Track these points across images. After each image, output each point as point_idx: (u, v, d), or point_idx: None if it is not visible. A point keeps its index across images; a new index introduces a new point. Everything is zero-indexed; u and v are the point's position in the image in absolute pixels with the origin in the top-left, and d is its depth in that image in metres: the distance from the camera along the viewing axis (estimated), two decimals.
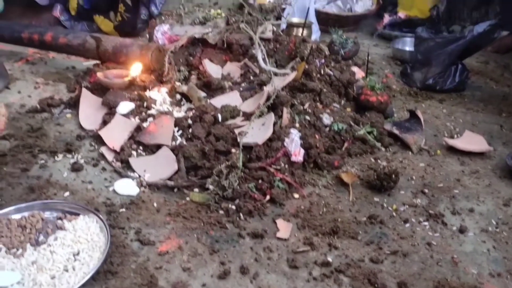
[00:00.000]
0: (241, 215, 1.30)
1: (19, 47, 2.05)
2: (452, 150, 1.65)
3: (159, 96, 1.66)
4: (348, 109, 1.76)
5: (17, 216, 1.19)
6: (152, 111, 1.60)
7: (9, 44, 2.04)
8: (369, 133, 1.66)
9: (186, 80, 1.78)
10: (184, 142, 1.50)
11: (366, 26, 2.73)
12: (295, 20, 2.37)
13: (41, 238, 1.14)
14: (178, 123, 1.55)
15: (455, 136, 1.74)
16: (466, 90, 2.08)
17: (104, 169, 1.45)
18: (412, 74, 2.09)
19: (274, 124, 1.53)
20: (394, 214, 1.35)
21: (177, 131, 1.54)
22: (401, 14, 2.68)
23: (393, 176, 1.42)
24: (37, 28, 1.97)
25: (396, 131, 1.69)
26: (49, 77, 1.93)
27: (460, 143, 1.66)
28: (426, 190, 1.44)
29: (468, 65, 2.15)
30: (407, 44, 2.39)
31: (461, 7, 2.60)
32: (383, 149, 1.64)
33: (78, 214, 1.21)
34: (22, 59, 2.06)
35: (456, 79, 2.04)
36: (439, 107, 1.95)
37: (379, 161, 1.58)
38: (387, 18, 2.67)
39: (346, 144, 1.62)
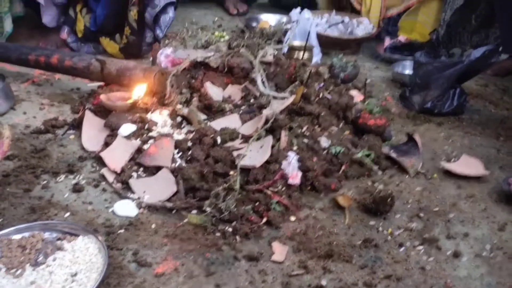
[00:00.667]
0: (237, 237, 1.32)
1: (26, 68, 2.10)
2: (449, 173, 1.66)
3: (161, 118, 1.69)
4: (346, 132, 1.79)
5: (17, 237, 1.22)
6: (153, 133, 1.63)
7: (16, 66, 2.10)
8: (366, 156, 1.68)
9: (187, 102, 1.82)
10: (184, 164, 1.53)
11: (367, 49, 2.77)
12: (296, 43, 2.41)
13: (41, 258, 1.16)
14: (178, 145, 1.58)
15: (452, 159, 1.75)
16: (465, 113, 2.10)
17: (104, 190, 1.48)
18: (411, 97, 2.12)
19: (272, 147, 1.55)
20: (389, 238, 1.36)
21: (177, 153, 1.57)
22: (402, 37, 2.72)
23: (389, 200, 1.44)
24: (43, 50, 2.02)
25: (393, 155, 1.71)
26: (54, 98, 1.98)
27: (457, 167, 1.68)
28: (421, 214, 1.46)
29: (467, 88, 2.18)
30: (407, 68, 2.42)
31: (461, 30, 2.62)
32: (380, 172, 1.66)
33: (77, 235, 1.24)
34: (29, 80, 2.11)
35: (454, 102, 2.06)
36: (437, 130, 1.97)
37: (376, 184, 1.60)
38: (387, 41, 2.70)
39: (343, 167, 1.64)
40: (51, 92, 2.03)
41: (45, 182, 1.47)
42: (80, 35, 2.45)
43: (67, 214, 1.35)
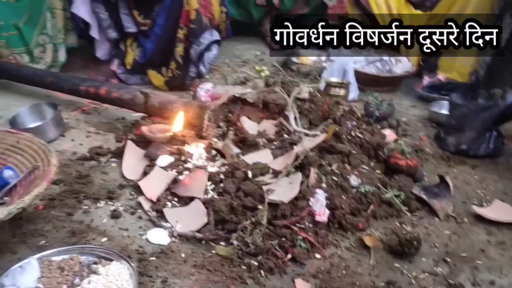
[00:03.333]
0: (262, 271, 1.36)
1: (76, 97, 2.26)
2: (479, 218, 1.64)
3: (197, 151, 1.78)
4: (377, 171, 1.81)
5: (57, 258, 1.31)
6: (189, 165, 1.72)
7: (68, 95, 2.26)
8: (396, 196, 1.69)
9: (224, 135, 1.90)
10: (215, 196, 1.60)
11: (405, 87, 2.78)
12: (333, 79, 2.47)
13: (77, 280, 1.25)
14: (211, 177, 1.65)
15: (484, 204, 1.74)
16: (502, 156, 2.07)
17: (140, 217, 1.56)
18: (446, 138, 2.11)
19: (301, 183, 1.60)
20: (413, 281, 1.36)
21: (210, 185, 1.64)
22: (441, 76, 2.72)
23: (415, 242, 1.44)
24: (93, 82, 2.18)
25: (424, 196, 1.71)
26: (100, 126, 2.12)
27: (489, 212, 1.66)
28: (448, 259, 1.45)
29: (504, 130, 2.15)
30: (444, 107, 2.41)
31: (503, 71, 2.60)
32: (408, 214, 1.66)
33: (111, 260, 1.32)
34: (79, 109, 2.27)
35: (490, 145, 2.04)
36: (471, 173, 1.95)
37: (404, 225, 1.60)
38: (426, 80, 2.71)
39: (372, 207, 1.66)
40: (98, 121, 2.17)
41: (86, 207, 1.58)
42: (129, 67, 2.61)
43: (104, 239, 1.44)
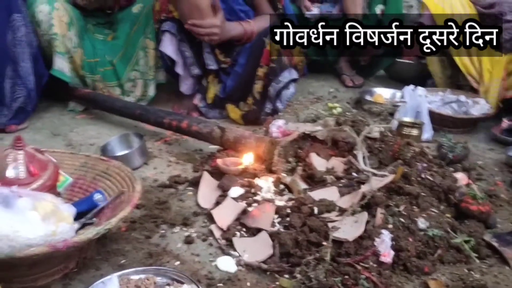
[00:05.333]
0: None
1: (160, 129, 2.46)
2: None
3: (266, 184, 1.87)
4: (447, 215, 1.78)
5: (135, 277, 1.43)
6: (258, 197, 1.81)
7: (153, 126, 2.47)
8: (466, 242, 1.66)
9: (293, 171, 1.98)
10: (282, 229, 1.67)
11: (483, 129, 2.71)
12: (406, 119, 2.47)
13: None
14: (278, 211, 1.73)
15: None
16: None
17: (211, 244, 1.67)
18: None
19: (367, 223, 1.63)
20: None
21: (277, 218, 1.71)
22: None
23: None
24: (176, 116, 2.36)
25: (495, 244, 1.67)
26: (180, 157, 2.28)
27: None
28: None
29: None
30: None
31: None
32: (478, 261, 1.62)
33: (183, 283, 1.42)
34: (162, 139, 2.46)
35: None
36: None
37: (472, 272, 1.56)
38: (505, 123, 2.62)
39: (439, 251, 1.63)
40: (178, 151, 2.34)
41: (163, 231, 1.71)
42: (209, 101, 2.79)
43: (177, 262, 1.55)
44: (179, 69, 2.72)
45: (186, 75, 2.75)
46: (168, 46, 2.66)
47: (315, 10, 3.28)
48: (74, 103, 2.83)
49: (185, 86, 2.80)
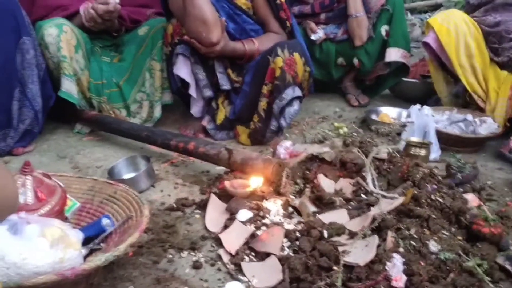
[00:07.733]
0: None
1: (167, 150, 2.45)
2: None
3: (274, 207, 1.85)
4: (458, 238, 1.75)
5: None
6: (266, 221, 1.79)
7: (159, 148, 2.46)
8: (478, 265, 1.63)
9: (301, 192, 1.96)
10: (291, 254, 1.64)
11: (490, 148, 2.69)
12: (414, 139, 2.46)
13: None
14: (287, 234, 1.71)
15: None
16: None
17: (219, 269, 1.64)
18: None
19: (378, 246, 1.60)
20: None
21: (286, 242, 1.69)
22: None
23: None
24: (183, 137, 2.36)
25: (508, 267, 1.63)
26: (187, 179, 2.27)
27: None
28: None
29: None
30: None
31: None
32: (491, 285, 1.59)
33: None
34: (168, 161, 2.45)
35: None
36: None
37: None
38: None
39: (452, 275, 1.60)
40: (185, 173, 2.33)
41: (171, 256, 1.69)
42: (218, 122, 2.79)
43: None
44: (192, 91, 2.72)
45: (198, 97, 2.74)
46: (182, 69, 2.66)
47: (320, 32, 3.30)
48: (80, 125, 2.83)
49: (196, 108, 2.79)
